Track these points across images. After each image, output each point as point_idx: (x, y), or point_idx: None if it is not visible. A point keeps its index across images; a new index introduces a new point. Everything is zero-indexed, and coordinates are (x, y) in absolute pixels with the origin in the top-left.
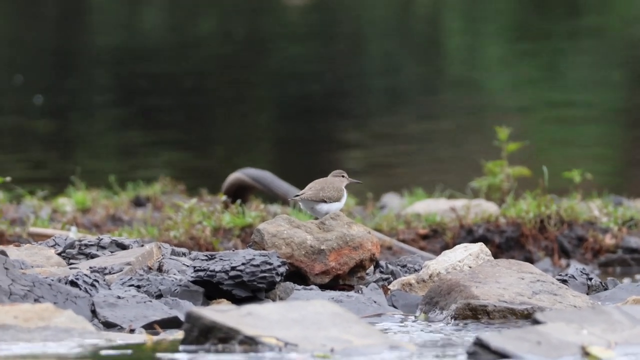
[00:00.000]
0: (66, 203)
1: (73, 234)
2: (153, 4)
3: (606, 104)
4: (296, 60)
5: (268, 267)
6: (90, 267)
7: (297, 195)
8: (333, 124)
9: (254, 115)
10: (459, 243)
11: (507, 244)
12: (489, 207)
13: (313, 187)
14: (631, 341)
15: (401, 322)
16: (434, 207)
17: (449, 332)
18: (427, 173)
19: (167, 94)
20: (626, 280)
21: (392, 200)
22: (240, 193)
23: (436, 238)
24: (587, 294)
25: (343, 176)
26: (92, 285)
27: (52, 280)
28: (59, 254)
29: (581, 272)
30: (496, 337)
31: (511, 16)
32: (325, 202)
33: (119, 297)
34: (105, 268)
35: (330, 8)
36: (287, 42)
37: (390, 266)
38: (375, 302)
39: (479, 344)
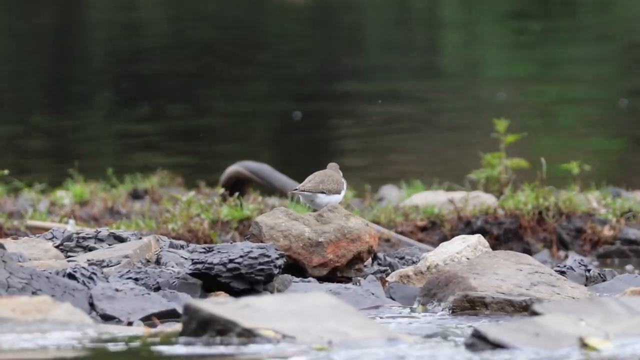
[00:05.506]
0: (64, 196)
1: (71, 226)
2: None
3: (606, 95)
4: (296, 56)
5: (266, 259)
6: (88, 260)
7: (297, 189)
8: (331, 117)
9: (253, 108)
10: (457, 235)
11: (505, 235)
12: (487, 199)
13: (313, 180)
14: (629, 332)
15: (399, 314)
16: (432, 199)
17: (447, 324)
18: (425, 165)
19: (165, 87)
20: (628, 269)
21: (390, 193)
22: (238, 186)
23: (434, 230)
24: (586, 285)
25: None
26: (90, 278)
27: (50, 273)
28: (57, 247)
29: (579, 263)
30: (494, 329)
31: (509, 5)
32: (325, 193)
33: (117, 290)
34: (103, 261)
35: (331, 6)
36: (287, 39)
37: (388, 258)
38: (373, 294)
39: (477, 335)
